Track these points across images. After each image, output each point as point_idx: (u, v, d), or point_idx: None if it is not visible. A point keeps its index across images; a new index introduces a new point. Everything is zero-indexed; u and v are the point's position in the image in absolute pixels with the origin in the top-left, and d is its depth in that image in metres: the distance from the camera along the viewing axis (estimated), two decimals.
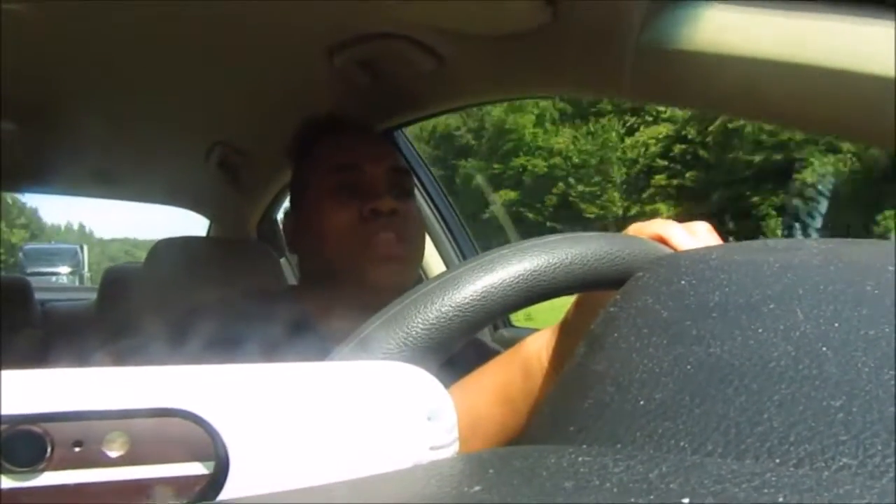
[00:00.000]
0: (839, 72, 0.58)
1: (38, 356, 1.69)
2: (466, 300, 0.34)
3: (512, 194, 22.65)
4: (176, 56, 1.09)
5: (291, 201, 1.03)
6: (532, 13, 0.78)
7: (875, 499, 0.15)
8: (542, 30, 0.81)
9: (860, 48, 0.57)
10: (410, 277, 0.94)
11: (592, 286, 0.37)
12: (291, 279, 1.59)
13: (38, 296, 1.96)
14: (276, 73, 1.14)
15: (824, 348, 0.22)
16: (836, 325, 0.23)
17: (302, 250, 0.99)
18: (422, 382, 0.24)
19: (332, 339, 0.82)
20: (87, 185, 1.91)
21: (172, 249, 1.31)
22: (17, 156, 1.48)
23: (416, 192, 1.50)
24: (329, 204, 0.91)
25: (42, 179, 1.72)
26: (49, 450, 0.20)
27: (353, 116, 1.03)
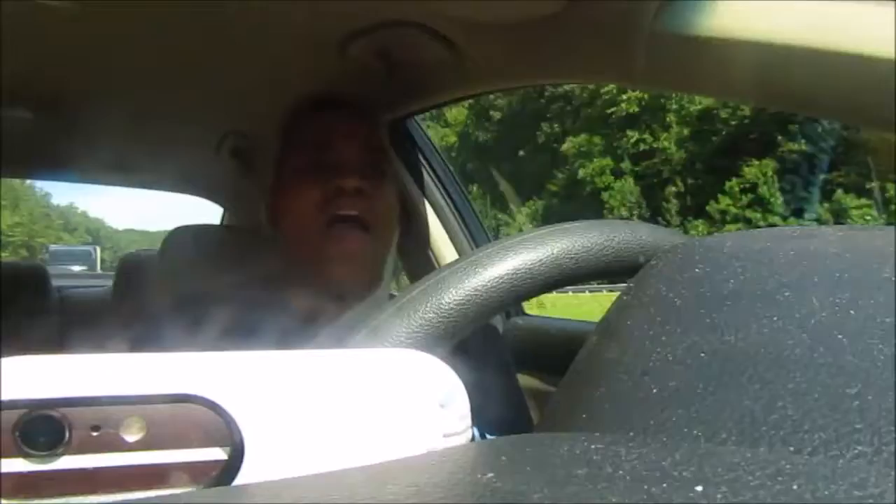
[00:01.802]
0: (855, 57, 0.57)
1: (55, 342, 1.71)
2: (480, 287, 0.34)
3: None
4: (190, 46, 1.09)
5: (270, 181, 0.97)
6: (544, 2, 0.78)
7: (891, 486, 0.15)
8: (556, 17, 0.81)
9: (876, 33, 0.56)
10: (372, 276, 0.88)
11: (609, 274, 0.37)
12: None
13: (55, 283, 1.98)
14: (289, 62, 1.13)
15: (840, 336, 0.22)
16: (852, 312, 0.23)
17: (277, 231, 0.94)
18: (435, 370, 0.24)
19: (315, 325, 0.81)
20: (101, 172, 1.92)
21: (187, 237, 1.32)
22: (32, 143, 1.50)
23: (430, 181, 1.50)
24: (296, 182, 0.86)
25: (57, 167, 1.73)
26: (67, 434, 0.20)
27: (353, 100, 0.99)
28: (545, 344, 1.31)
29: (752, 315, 0.24)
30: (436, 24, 0.94)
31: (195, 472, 0.21)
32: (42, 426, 0.20)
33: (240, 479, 0.22)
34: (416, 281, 0.35)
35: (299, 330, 0.79)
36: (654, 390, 0.23)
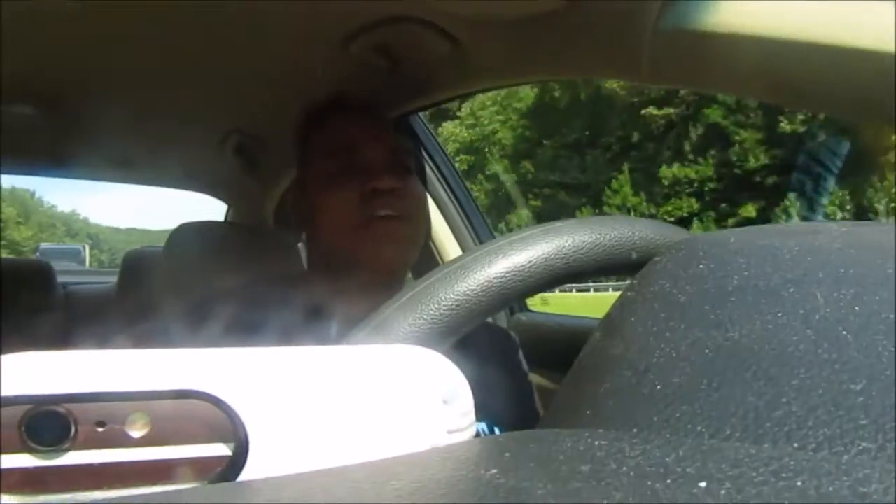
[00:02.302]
0: (857, 52, 0.57)
1: (60, 339, 1.71)
2: (482, 283, 0.34)
3: None
4: (193, 44, 1.09)
5: (297, 184, 1.03)
6: None
7: (894, 482, 0.15)
8: (559, 13, 0.81)
9: (880, 27, 0.56)
10: (413, 257, 0.94)
11: (613, 270, 0.37)
12: None
13: (60, 279, 1.98)
14: (291, 60, 1.13)
15: (844, 332, 0.22)
16: (857, 308, 0.23)
17: (307, 234, 0.99)
18: (438, 366, 0.24)
19: (344, 323, 0.82)
20: (105, 169, 1.92)
21: (191, 234, 1.32)
22: (35, 140, 1.50)
23: (434, 177, 1.50)
24: (329, 187, 0.90)
25: (61, 163, 1.74)
26: (73, 430, 0.21)
27: (366, 101, 1.02)
28: (549, 341, 1.31)
29: (756, 311, 0.24)
30: (438, 20, 0.94)
31: (200, 467, 0.22)
32: (47, 422, 0.20)
33: (244, 475, 0.22)
34: (420, 277, 0.35)
35: (332, 328, 0.82)
36: (658, 387, 0.23)
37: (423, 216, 0.98)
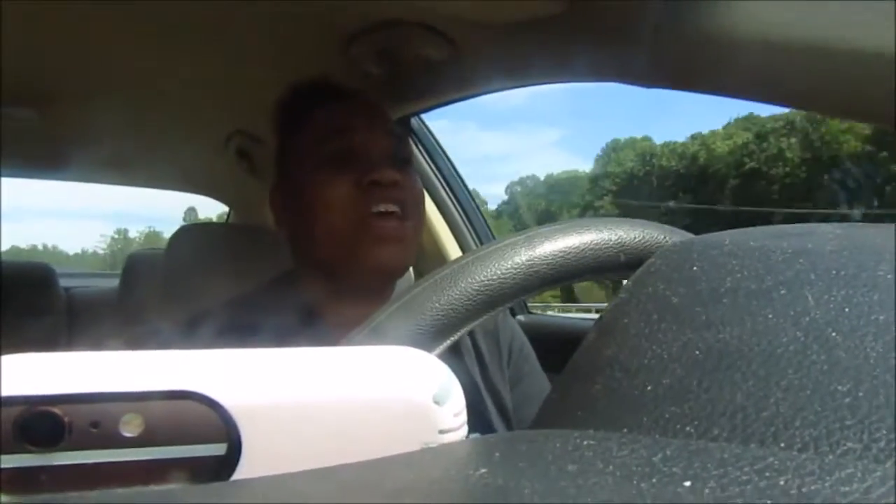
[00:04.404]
0: (860, 53, 0.57)
1: (61, 341, 1.71)
2: (479, 286, 0.34)
3: None
4: (195, 46, 1.09)
5: (278, 174, 0.92)
6: (549, 1, 0.78)
7: (877, 482, 0.15)
8: (558, 16, 0.81)
9: (880, 28, 0.56)
10: (413, 256, 0.85)
11: (602, 272, 0.37)
12: None
13: (62, 282, 1.99)
14: (293, 62, 1.14)
15: (833, 333, 0.22)
16: (847, 310, 0.23)
17: (293, 229, 0.88)
18: (430, 367, 0.24)
19: (340, 328, 0.80)
20: (106, 172, 1.93)
21: (193, 236, 1.32)
22: (36, 142, 1.50)
23: (435, 180, 1.50)
24: (322, 175, 0.81)
25: (61, 166, 1.74)
26: (67, 430, 0.21)
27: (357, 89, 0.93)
28: (548, 342, 1.31)
29: (748, 312, 0.24)
30: (439, 24, 0.94)
31: (193, 467, 0.22)
32: (42, 422, 0.21)
33: (237, 475, 0.22)
34: (420, 278, 0.35)
35: (320, 334, 0.79)
36: (649, 387, 0.23)
37: (423, 211, 0.89)
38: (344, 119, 0.84)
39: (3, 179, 1.86)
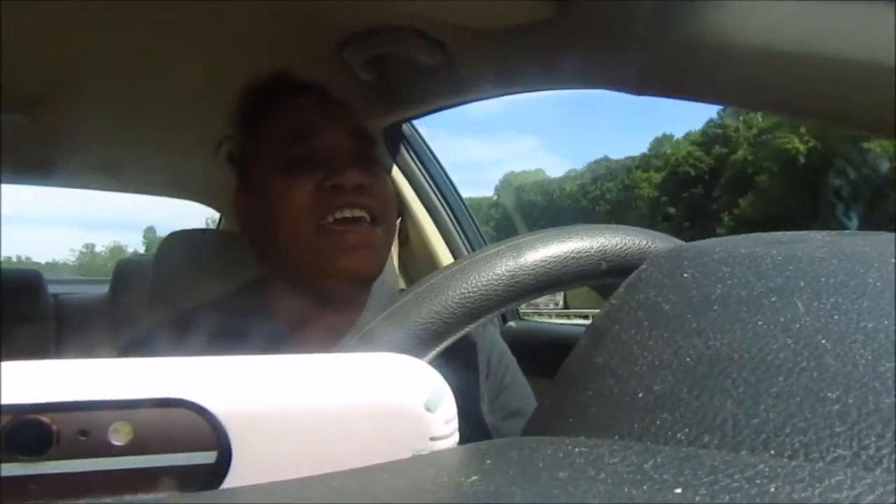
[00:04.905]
0: (848, 62, 0.57)
1: (50, 347, 1.70)
2: (469, 293, 0.34)
3: None
4: (185, 50, 1.09)
5: (239, 177, 0.86)
6: (538, 7, 0.78)
7: (866, 489, 0.15)
8: (549, 23, 0.81)
9: (875, 35, 0.56)
10: (384, 263, 0.80)
11: (586, 280, 0.38)
12: None
13: (51, 288, 1.97)
14: (284, 67, 1.14)
15: (823, 340, 0.22)
16: (836, 317, 0.23)
17: (256, 235, 0.83)
18: (421, 374, 0.24)
19: (304, 336, 0.75)
20: (94, 177, 1.92)
21: (182, 242, 1.31)
22: (24, 147, 1.49)
23: (426, 185, 1.50)
24: (281, 179, 0.76)
25: (49, 172, 1.73)
26: (55, 439, 0.21)
27: (319, 81, 0.88)
28: (540, 348, 1.31)
29: (738, 319, 0.24)
30: (430, 29, 0.94)
31: (183, 476, 0.22)
32: (30, 431, 0.20)
33: (227, 483, 0.22)
34: (412, 284, 0.35)
35: (286, 340, 0.76)
36: (640, 394, 0.23)
37: (394, 213, 0.83)
38: (304, 118, 0.80)
39: None
